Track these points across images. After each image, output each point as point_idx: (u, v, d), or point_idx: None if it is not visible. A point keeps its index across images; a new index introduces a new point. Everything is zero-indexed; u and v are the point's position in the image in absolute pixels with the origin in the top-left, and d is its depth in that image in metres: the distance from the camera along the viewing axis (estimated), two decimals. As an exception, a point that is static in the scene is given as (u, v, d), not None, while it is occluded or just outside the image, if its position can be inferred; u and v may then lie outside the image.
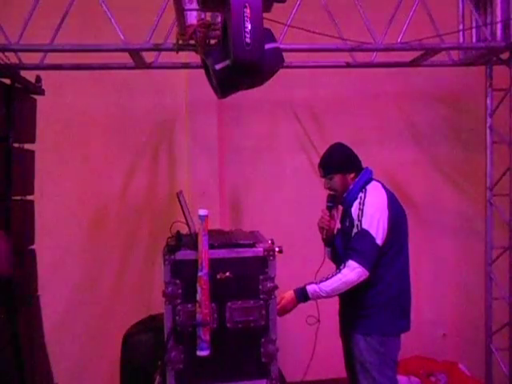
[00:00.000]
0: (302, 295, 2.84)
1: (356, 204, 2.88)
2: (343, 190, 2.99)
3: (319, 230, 3.14)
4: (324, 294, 2.80)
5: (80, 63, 3.76)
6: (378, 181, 3.02)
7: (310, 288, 2.82)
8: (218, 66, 2.34)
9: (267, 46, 2.32)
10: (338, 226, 3.16)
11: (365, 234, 2.77)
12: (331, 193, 3.08)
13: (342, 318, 3.12)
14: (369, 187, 2.93)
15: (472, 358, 4.44)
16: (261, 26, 2.06)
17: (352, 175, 2.98)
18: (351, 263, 2.74)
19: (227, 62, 2.23)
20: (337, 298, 3.05)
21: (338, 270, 2.81)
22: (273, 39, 2.44)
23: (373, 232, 2.76)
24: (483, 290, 4.29)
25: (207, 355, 2.54)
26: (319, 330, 3.12)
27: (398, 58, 3.94)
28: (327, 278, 2.81)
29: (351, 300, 2.92)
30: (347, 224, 2.96)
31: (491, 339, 4.26)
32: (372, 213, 2.80)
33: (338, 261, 2.99)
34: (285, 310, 2.84)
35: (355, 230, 2.83)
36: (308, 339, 3.58)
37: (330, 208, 3.10)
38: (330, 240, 3.14)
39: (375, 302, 2.88)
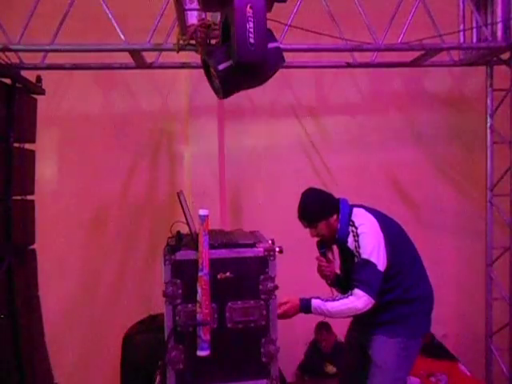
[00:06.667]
0: (305, 306, 2.81)
1: (350, 238, 2.84)
2: (332, 234, 2.93)
3: (322, 278, 3.12)
4: (327, 313, 2.78)
5: (80, 63, 3.76)
6: (358, 206, 2.97)
7: (315, 303, 2.79)
8: (221, 67, 2.33)
9: (271, 46, 2.32)
10: (338, 263, 3.12)
11: (366, 263, 2.74)
12: (319, 239, 3.05)
13: (362, 319, 3.00)
14: (354, 218, 2.88)
15: (472, 358, 4.44)
16: (264, 26, 2.05)
17: (334, 217, 2.91)
18: (357, 292, 2.72)
19: (230, 62, 2.22)
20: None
21: (346, 295, 2.78)
22: (273, 38, 2.43)
23: (374, 260, 2.74)
24: (483, 290, 4.29)
25: (207, 355, 2.54)
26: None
27: (398, 58, 3.94)
28: (334, 299, 2.79)
29: (364, 316, 2.84)
30: (349, 261, 2.91)
31: (491, 339, 4.27)
32: (367, 241, 2.78)
33: None
34: (286, 315, 2.82)
35: (356, 261, 2.80)
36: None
37: (323, 254, 3.07)
38: (335, 281, 3.11)
39: (403, 311, 2.87)
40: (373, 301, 2.71)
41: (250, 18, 1.99)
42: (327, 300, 2.79)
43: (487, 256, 4.25)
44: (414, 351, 2.92)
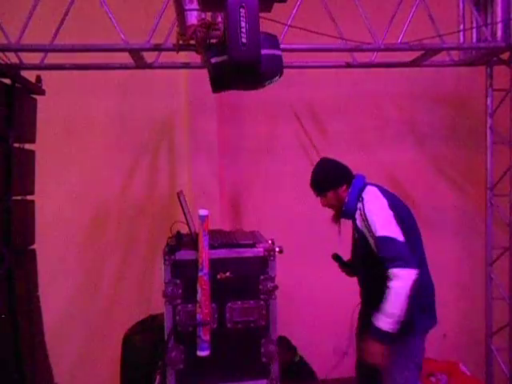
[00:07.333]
0: (380, 335, 2.61)
1: (358, 216, 2.81)
2: (340, 204, 2.93)
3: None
4: (394, 317, 2.58)
5: (80, 63, 3.75)
6: (373, 185, 2.94)
7: (379, 323, 2.60)
8: (213, 60, 2.33)
9: (269, 52, 2.32)
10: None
11: (384, 240, 2.65)
12: (333, 254, 3.12)
13: (365, 318, 3.00)
14: (365, 195, 2.84)
15: (472, 358, 4.44)
16: (257, 27, 2.05)
17: (343, 187, 2.92)
18: (393, 272, 2.58)
19: (223, 58, 2.23)
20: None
21: (387, 288, 2.60)
22: (276, 46, 2.42)
23: (390, 234, 2.65)
24: (483, 290, 4.29)
25: (207, 355, 2.54)
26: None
27: (398, 57, 3.94)
28: (384, 302, 2.60)
29: (374, 301, 2.77)
30: (356, 235, 2.90)
31: (491, 339, 4.27)
32: (377, 217, 2.71)
33: (363, 273, 2.98)
34: (373, 354, 2.65)
35: (372, 241, 2.72)
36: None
37: (343, 264, 3.13)
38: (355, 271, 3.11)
39: None
40: (413, 270, 2.57)
41: (242, 18, 1.99)
42: (380, 309, 2.60)
43: (487, 256, 4.25)
44: (418, 347, 2.85)
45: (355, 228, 2.88)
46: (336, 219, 3.02)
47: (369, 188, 2.89)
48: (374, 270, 2.77)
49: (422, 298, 2.85)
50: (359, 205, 2.81)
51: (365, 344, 2.68)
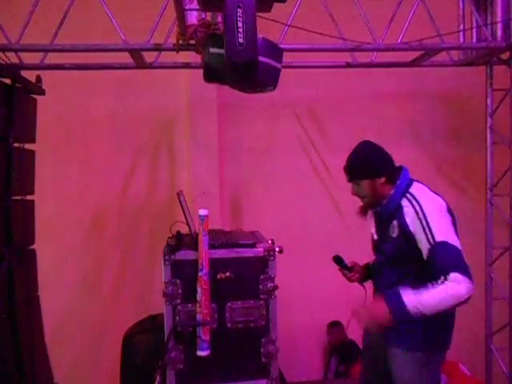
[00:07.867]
0: (397, 308, 2.26)
1: (410, 214, 2.44)
2: (374, 196, 2.58)
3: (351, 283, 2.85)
4: (425, 311, 2.26)
5: (80, 63, 3.76)
6: (418, 182, 2.63)
7: (407, 298, 2.26)
8: (212, 50, 2.34)
9: (269, 61, 2.33)
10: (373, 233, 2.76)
11: (445, 246, 2.36)
12: (335, 256, 2.80)
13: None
14: (416, 192, 2.51)
15: (472, 358, 4.44)
16: (254, 27, 2.06)
17: (382, 180, 2.55)
18: (455, 276, 2.26)
19: (222, 51, 2.23)
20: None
21: (441, 282, 2.28)
22: (279, 59, 2.42)
23: (450, 240, 2.38)
24: (483, 290, 4.29)
25: (207, 355, 2.54)
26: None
27: (398, 57, 3.94)
28: (428, 290, 2.27)
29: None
30: (394, 235, 2.52)
31: (491, 339, 4.26)
32: (440, 220, 2.42)
33: (382, 278, 2.64)
34: (377, 326, 2.36)
35: (427, 246, 2.37)
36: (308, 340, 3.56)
37: (344, 267, 2.81)
38: (365, 275, 2.82)
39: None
40: (472, 286, 2.28)
41: (239, 18, 1.99)
42: (419, 292, 2.26)
43: (487, 256, 4.25)
44: (437, 364, 2.61)
45: (399, 225, 2.49)
46: (364, 212, 2.68)
47: (418, 185, 2.58)
48: (403, 272, 2.50)
49: (450, 313, 2.63)
50: (407, 203, 2.48)
51: (373, 303, 2.39)
